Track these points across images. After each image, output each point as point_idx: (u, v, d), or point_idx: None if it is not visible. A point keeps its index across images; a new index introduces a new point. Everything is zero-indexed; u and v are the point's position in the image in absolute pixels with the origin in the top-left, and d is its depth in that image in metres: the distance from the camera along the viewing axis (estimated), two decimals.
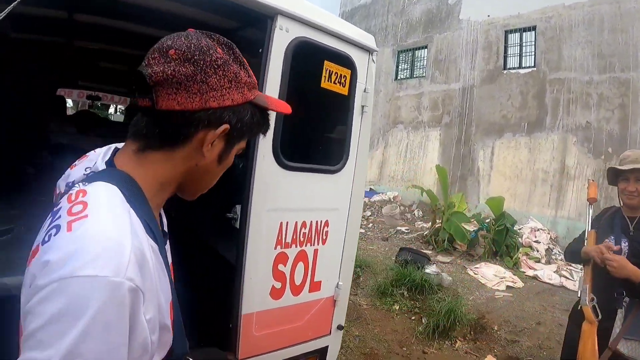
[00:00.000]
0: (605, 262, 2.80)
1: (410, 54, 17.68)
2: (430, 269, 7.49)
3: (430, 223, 11.53)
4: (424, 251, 9.40)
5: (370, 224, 12.17)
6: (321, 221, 2.95)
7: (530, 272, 9.39)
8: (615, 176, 3.07)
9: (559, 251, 11.06)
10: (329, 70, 2.81)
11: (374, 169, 17.68)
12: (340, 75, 2.88)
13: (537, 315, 6.84)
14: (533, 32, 13.74)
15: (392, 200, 14.51)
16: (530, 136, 13.18)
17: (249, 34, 2.96)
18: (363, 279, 7.37)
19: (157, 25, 3.45)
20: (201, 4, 2.73)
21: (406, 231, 11.66)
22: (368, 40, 3.10)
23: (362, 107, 3.09)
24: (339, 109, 3.03)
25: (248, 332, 2.61)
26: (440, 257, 9.57)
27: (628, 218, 3.01)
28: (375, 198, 14.40)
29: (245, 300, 2.58)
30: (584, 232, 3.16)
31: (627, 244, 2.92)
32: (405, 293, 6.76)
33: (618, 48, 11.77)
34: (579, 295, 2.99)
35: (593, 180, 3.23)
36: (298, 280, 2.87)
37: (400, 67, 17.95)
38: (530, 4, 13.67)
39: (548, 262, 10.30)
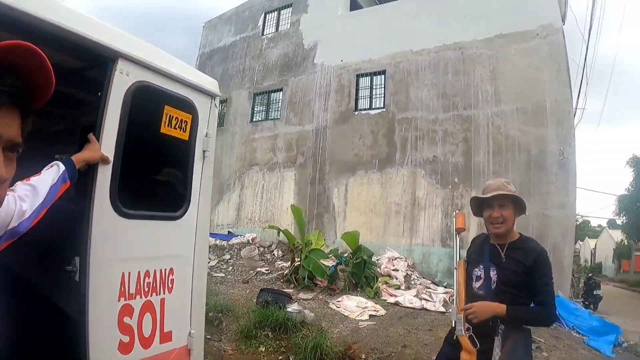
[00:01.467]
0: (465, 314, 2.87)
1: (266, 97, 17.94)
2: (292, 307, 7.46)
3: (290, 262, 11.59)
4: (286, 290, 9.42)
5: (230, 267, 11.92)
6: (165, 269, 2.88)
7: (391, 299, 9.71)
8: (478, 206, 3.12)
9: (417, 277, 11.71)
10: (169, 115, 2.78)
11: (231, 211, 17.55)
12: (181, 120, 2.86)
13: (402, 338, 7.05)
14: (383, 75, 14.72)
15: (250, 242, 14.36)
16: (381, 172, 13.92)
17: (94, 74, 2.83)
18: (226, 324, 7.16)
19: None
20: (40, 40, 2.53)
21: (266, 272, 11.60)
22: (211, 85, 3.12)
23: (204, 152, 3.09)
24: (179, 154, 2.99)
25: None
26: (302, 295, 9.59)
27: (498, 246, 3.04)
28: (234, 241, 14.12)
29: (93, 357, 2.42)
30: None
31: (495, 272, 2.93)
32: (270, 334, 6.69)
33: (461, 89, 13.10)
34: (453, 325, 2.98)
35: (460, 211, 3.29)
36: (147, 332, 2.75)
37: (255, 109, 18.11)
38: (381, 49, 14.70)
39: (408, 288, 10.81)
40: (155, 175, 2.97)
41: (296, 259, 11.07)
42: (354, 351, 6.34)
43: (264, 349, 6.35)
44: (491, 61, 12.85)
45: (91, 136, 2.43)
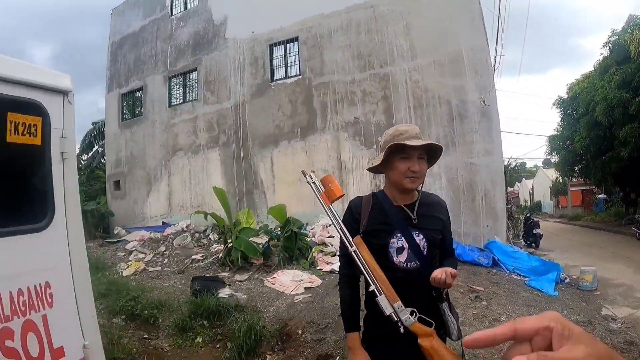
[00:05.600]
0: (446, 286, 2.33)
1: (181, 79, 17.44)
2: (224, 292, 7.26)
3: (223, 245, 11.43)
4: (222, 274, 9.26)
5: (166, 259, 11.54)
6: (40, 284, 2.65)
7: (327, 268, 9.59)
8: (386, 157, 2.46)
9: None
10: (14, 122, 2.54)
11: (162, 201, 17.16)
12: (30, 124, 2.62)
13: (338, 308, 6.87)
14: (296, 42, 14.54)
15: (185, 229, 14.02)
16: (304, 140, 13.90)
17: None
18: (162, 319, 6.91)
19: None
20: None
21: (201, 258, 11.32)
22: (60, 81, 2.88)
23: (62, 153, 2.85)
24: (33, 161, 2.76)
25: None
26: (237, 277, 9.42)
27: (405, 206, 2.51)
28: (169, 231, 13.68)
29: None
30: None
31: (422, 236, 2.46)
32: (205, 323, 6.52)
33: (375, 47, 13.15)
34: (395, 319, 2.29)
35: (327, 174, 2.56)
36: (34, 352, 2.54)
37: (172, 93, 17.58)
38: (291, 16, 14.47)
39: None
40: (8, 189, 2.74)
41: (228, 240, 10.91)
42: (291, 328, 6.24)
43: (200, 340, 6.20)
44: (403, 17, 12.90)
45: None
